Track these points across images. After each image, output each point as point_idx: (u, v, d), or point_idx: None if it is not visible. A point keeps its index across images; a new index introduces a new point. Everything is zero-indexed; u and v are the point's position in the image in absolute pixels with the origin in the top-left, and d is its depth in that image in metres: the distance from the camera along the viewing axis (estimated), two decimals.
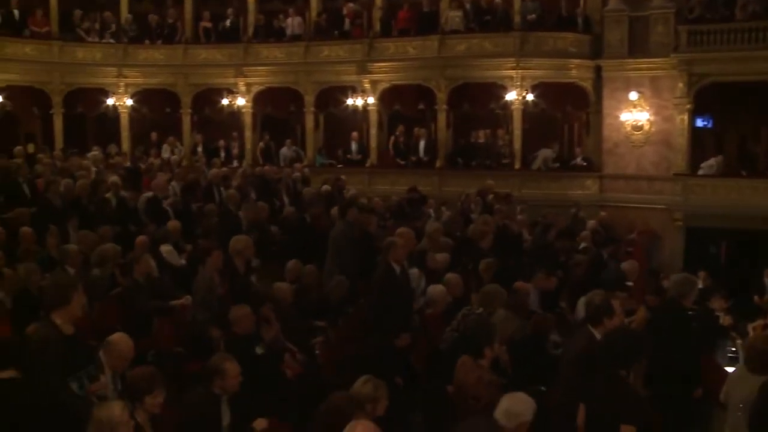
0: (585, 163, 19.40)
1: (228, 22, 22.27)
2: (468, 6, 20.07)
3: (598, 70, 19.16)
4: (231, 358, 5.39)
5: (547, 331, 7.43)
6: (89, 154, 17.19)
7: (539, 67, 19.24)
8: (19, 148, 17.46)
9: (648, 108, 18.56)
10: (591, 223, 14.82)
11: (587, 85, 19.28)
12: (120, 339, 5.53)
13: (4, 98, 21.10)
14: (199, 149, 21.45)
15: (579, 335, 5.83)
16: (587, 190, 19.15)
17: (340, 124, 22.41)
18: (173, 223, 10.91)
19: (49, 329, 4.84)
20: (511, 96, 19.33)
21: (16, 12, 21.23)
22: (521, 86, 19.18)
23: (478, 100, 20.50)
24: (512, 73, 19.22)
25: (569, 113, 20.44)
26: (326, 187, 14.77)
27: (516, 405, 4.68)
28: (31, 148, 21.13)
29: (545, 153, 19.48)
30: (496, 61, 19.40)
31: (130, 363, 5.40)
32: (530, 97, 19.23)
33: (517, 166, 19.63)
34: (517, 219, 13.40)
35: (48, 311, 4.96)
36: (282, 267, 9.40)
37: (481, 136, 20.11)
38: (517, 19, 19.44)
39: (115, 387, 5.31)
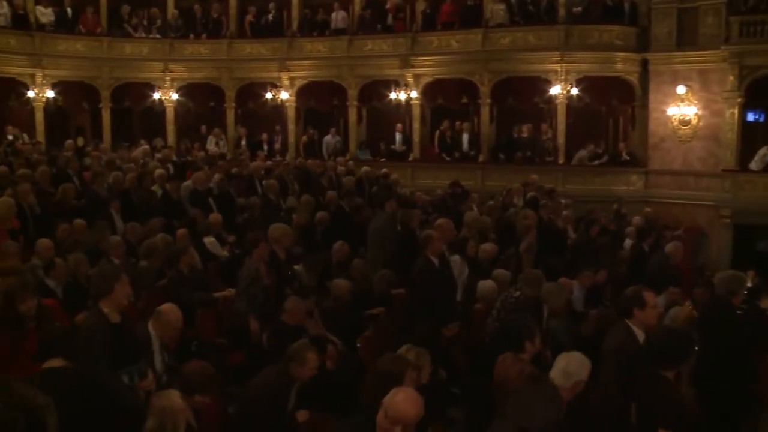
0: (629, 158, 19.09)
1: (271, 17, 22.40)
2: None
3: (644, 63, 18.80)
4: (313, 348, 5.44)
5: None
6: (140, 148, 17.47)
7: (584, 61, 18.96)
8: (69, 141, 17.89)
9: (696, 102, 18.16)
10: (636, 219, 14.57)
11: (633, 78, 18.94)
12: (170, 309, 5.63)
13: (56, 93, 21.62)
14: (243, 142, 21.64)
15: (616, 329, 5.72)
16: (632, 186, 18.84)
17: (382, 118, 22.40)
18: (215, 216, 11.01)
19: (96, 317, 5.00)
20: (555, 90, 19.10)
21: (69, 10, 21.78)
22: (565, 80, 18.94)
23: (521, 94, 20.32)
24: (556, 66, 18.99)
25: (614, 107, 20.11)
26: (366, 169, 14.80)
27: (572, 364, 4.73)
28: (80, 141, 21.61)
29: (580, 154, 19.25)
30: (540, 54, 19.19)
31: (180, 352, 5.48)
32: (574, 91, 18.98)
33: (560, 160, 19.40)
34: (563, 215, 13.20)
35: (96, 300, 5.12)
36: (323, 255, 9.46)
37: (524, 130, 19.91)
38: (561, 11, 19.18)
39: (162, 358, 5.41)
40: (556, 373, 4.73)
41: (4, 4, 20.71)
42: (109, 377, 4.70)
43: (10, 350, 5.27)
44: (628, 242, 13.00)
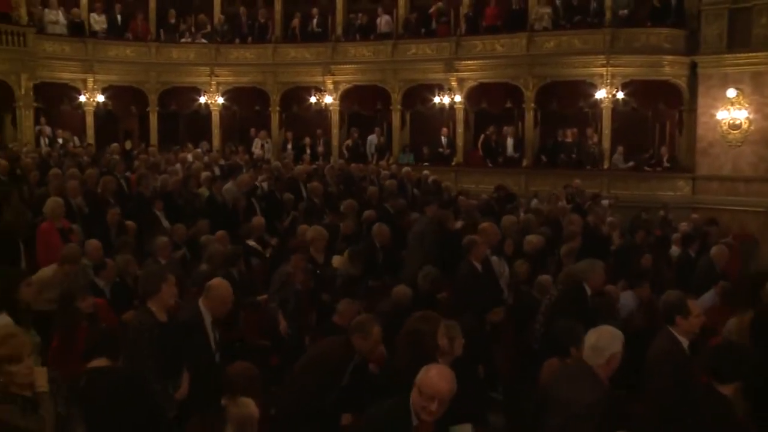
0: (668, 165, 18.72)
1: (316, 21, 22.56)
2: (558, 2, 19.69)
3: (693, 66, 18.42)
4: (378, 322, 5.41)
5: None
6: (192, 151, 17.73)
7: (630, 64, 18.67)
8: (115, 144, 18.29)
9: (747, 105, 17.69)
10: (683, 225, 14.30)
11: (681, 82, 18.58)
12: (219, 283, 5.67)
13: (106, 98, 22.13)
14: (289, 146, 21.82)
15: (660, 337, 5.60)
16: (678, 192, 18.46)
17: (426, 123, 22.38)
18: (258, 219, 11.08)
19: (144, 316, 5.13)
20: (600, 94, 18.85)
21: (119, 17, 22.31)
22: (611, 84, 18.69)
23: (566, 99, 20.08)
24: (602, 70, 18.73)
25: (661, 112, 19.73)
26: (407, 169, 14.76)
27: (602, 338, 4.56)
28: (128, 144, 22.08)
29: (615, 159, 18.95)
30: (585, 58, 18.96)
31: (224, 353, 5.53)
32: (620, 95, 18.71)
33: (605, 165, 19.13)
34: (608, 221, 13.00)
35: (143, 300, 5.27)
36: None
37: (568, 135, 19.68)
38: (608, 14, 18.90)
39: (213, 337, 5.44)
40: (587, 352, 4.55)
41: (61, 13, 21.35)
42: (151, 381, 4.76)
43: (65, 346, 5.37)
44: (674, 249, 12.75)
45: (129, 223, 9.94)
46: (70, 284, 5.88)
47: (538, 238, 9.91)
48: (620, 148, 19.04)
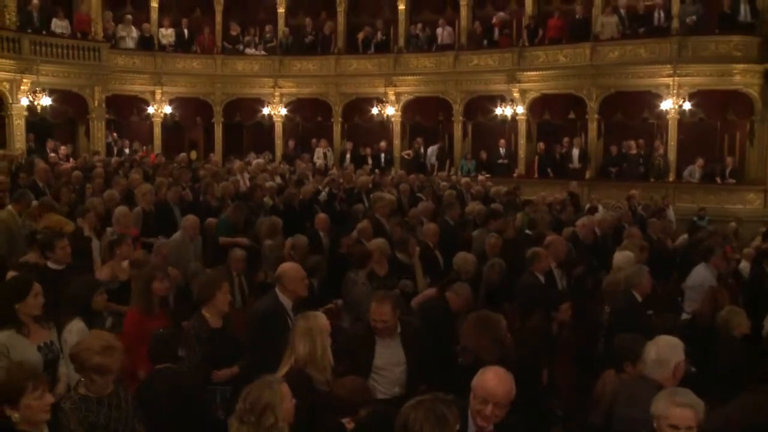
0: (733, 180, 18.21)
1: (379, 33, 22.75)
2: (622, 11, 19.41)
3: (766, 74, 17.87)
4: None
5: None
6: (255, 161, 18.03)
7: (698, 74, 18.27)
8: (183, 155, 18.72)
9: None
10: (756, 240, 13.79)
11: (753, 91, 18.04)
12: (289, 266, 5.84)
13: (172, 109, 22.75)
14: (348, 156, 22.01)
15: (722, 347, 5.45)
16: (749, 205, 17.93)
17: (488, 133, 22.31)
18: (322, 216, 10.99)
19: (199, 323, 5.29)
20: (666, 105, 18.50)
21: (186, 31, 22.98)
22: (678, 94, 18.32)
23: (630, 109, 19.79)
24: (668, 80, 18.39)
25: (730, 122, 19.25)
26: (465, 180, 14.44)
27: (662, 351, 4.45)
28: (194, 154, 22.61)
29: (689, 171, 18.49)
30: (651, 68, 18.67)
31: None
32: (687, 105, 18.31)
33: (671, 178, 18.74)
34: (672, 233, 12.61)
35: (199, 306, 5.42)
36: None
37: (633, 146, 19.34)
38: (675, 23, 18.54)
39: (291, 317, 5.40)
40: (650, 368, 4.43)
41: (133, 28, 22.21)
42: (202, 388, 4.87)
43: (140, 327, 5.56)
44: (744, 264, 12.34)
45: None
46: (150, 268, 6.21)
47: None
48: (700, 161, 18.61)
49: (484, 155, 21.37)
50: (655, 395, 4.00)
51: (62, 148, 18.50)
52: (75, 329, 5.10)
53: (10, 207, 9.12)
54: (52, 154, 17.05)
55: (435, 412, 3.23)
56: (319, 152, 22.02)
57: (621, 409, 4.53)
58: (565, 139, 20.36)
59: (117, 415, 3.97)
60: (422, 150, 21.93)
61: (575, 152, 20.05)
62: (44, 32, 19.90)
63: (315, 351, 4.36)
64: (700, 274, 8.77)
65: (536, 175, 20.31)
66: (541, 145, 20.78)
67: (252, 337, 5.48)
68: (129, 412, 4.05)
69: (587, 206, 14.94)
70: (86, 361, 3.92)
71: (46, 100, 19.35)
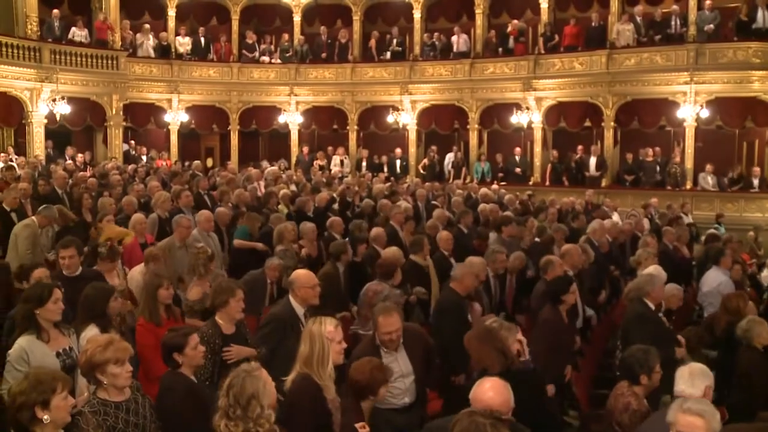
0: (756, 189, 18.02)
1: (395, 41, 22.82)
2: (639, 19, 19.36)
3: None
4: None
5: None
6: (269, 168, 18.11)
7: (716, 81, 18.20)
8: (197, 162, 18.87)
9: None
10: None
11: None
12: (298, 274, 5.91)
13: (189, 117, 22.92)
14: (363, 164, 22.05)
15: (742, 357, 5.41)
16: (767, 213, 17.80)
17: (503, 141, 22.31)
18: (336, 220, 11.02)
19: (212, 328, 5.32)
20: (683, 112, 18.41)
21: (203, 40, 23.17)
22: (695, 102, 18.23)
23: (647, 117, 19.72)
24: (685, 87, 18.34)
25: (749, 130, 19.12)
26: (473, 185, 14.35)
27: (695, 374, 4.48)
28: (210, 162, 22.72)
29: (702, 177, 18.36)
30: (667, 75, 18.63)
31: None
32: (704, 113, 18.21)
33: (688, 186, 18.63)
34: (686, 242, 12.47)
35: (213, 312, 5.47)
36: None
37: (650, 154, 19.25)
38: (692, 30, 18.49)
39: (304, 324, 5.39)
40: (681, 389, 4.45)
41: (151, 37, 22.47)
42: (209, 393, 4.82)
43: (153, 336, 5.57)
44: (766, 273, 12.26)
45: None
46: (155, 273, 6.23)
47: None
48: (709, 167, 18.48)
49: (499, 158, 21.37)
50: None
51: (79, 155, 18.67)
52: (90, 336, 5.07)
53: (33, 218, 9.20)
54: (70, 162, 17.20)
55: (479, 427, 3.24)
56: (336, 160, 22.09)
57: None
58: (579, 147, 20.26)
59: (135, 420, 4.02)
60: (436, 158, 21.91)
61: (592, 160, 19.95)
62: (64, 41, 20.19)
63: (312, 353, 4.36)
64: (711, 277, 8.78)
65: (548, 183, 20.25)
66: (555, 152, 20.74)
67: (263, 340, 5.54)
68: (147, 417, 4.09)
69: (592, 206, 14.79)
70: (96, 359, 3.94)
71: (65, 108, 19.60)
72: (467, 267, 7.14)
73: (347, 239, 9.32)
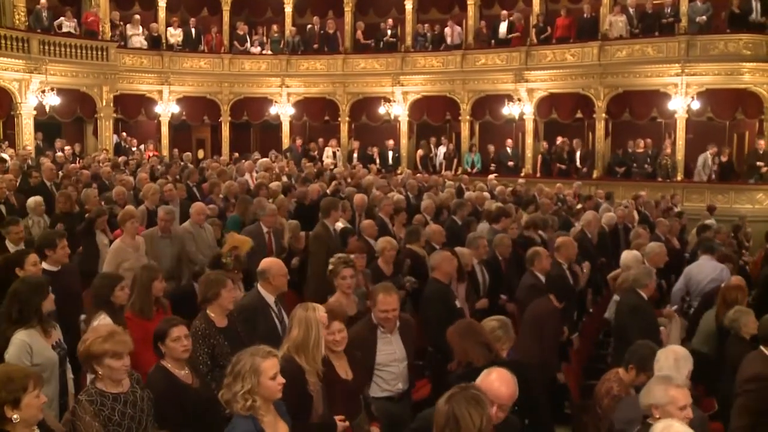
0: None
1: (387, 32, 22.71)
2: (631, 10, 19.32)
3: None
4: None
5: None
6: (260, 160, 17.99)
7: (707, 73, 18.17)
8: (187, 153, 18.76)
9: None
10: None
11: (763, 90, 17.90)
12: (269, 262, 5.92)
13: (180, 108, 22.78)
14: (355, 155, 22.00)
15: (751, 358, 5.43)
16: (758, 204, 17.79)
17: (495, 133, 22.27)
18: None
19: (205, 323, 5.20)
20: (674, 104, 18.41)
21: (193, 31, 23.06)
22: (686, 93, 18.22)
23: (638, 109, 19.73)
24: (677, 79, 18.31)
25: (739, 122, 19.15)
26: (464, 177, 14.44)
27: (669, 361, 4.54)
28: (200, 153, 22.62)
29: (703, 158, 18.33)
30: (659, 67, 18.61)
31: None
32: (695, 104, 18.21)
33: (679, 177, 18.64)
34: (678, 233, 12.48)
35: (204, 305, 5.35)
36: None
37: (640, 145, 19.26)
38: (683, 21, 18.44)
39: (278, 314, 5.66)
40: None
41: (141, 28, 22.35)
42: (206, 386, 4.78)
43: (142, 331, 5.41)
44: None
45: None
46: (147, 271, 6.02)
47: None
48: (712, 149, 18.32)
49: (491, 148, 21.36)
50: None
51: (67, 148, 18.49)
52: (103, 323, 5.01)
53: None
54: (59, 154, 17.06)
55: (474, 397, 3.29)
56: (328, 152, 22.01)
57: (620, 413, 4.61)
58: (559, 139, 20.25)
59: (132, 413, 3.97)
60: (433, 149, 21.89)
61: (578, 153, 20.01)
62: (53, 32, 20.00)
63: (308, 339, 4.33)
64: (708, 267, 8.68)
65: (538, 174, 20.25)
66: (545, 144, 20.74)
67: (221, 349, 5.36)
68: (144, 411, 4.04)
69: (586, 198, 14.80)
70: (96, 350, 3.90)
71: (54, 100, 19.45)
72: (441, 253, 7.16)
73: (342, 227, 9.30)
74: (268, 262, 5.93)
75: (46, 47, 19.46)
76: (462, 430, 3.22)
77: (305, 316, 4.38)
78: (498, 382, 3.76)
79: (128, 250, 7.82)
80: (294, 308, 4.60)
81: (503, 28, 21.18)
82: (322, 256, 7.89)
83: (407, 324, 5.39)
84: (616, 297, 7.80)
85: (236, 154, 20.81)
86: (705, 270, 8.71)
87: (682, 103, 18.31)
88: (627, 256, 8.43)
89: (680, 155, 18.76)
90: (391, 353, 5.15)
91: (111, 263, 7.60)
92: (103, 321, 5.12)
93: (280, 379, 3.66)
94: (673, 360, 4.57)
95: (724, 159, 18.53)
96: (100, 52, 20.63)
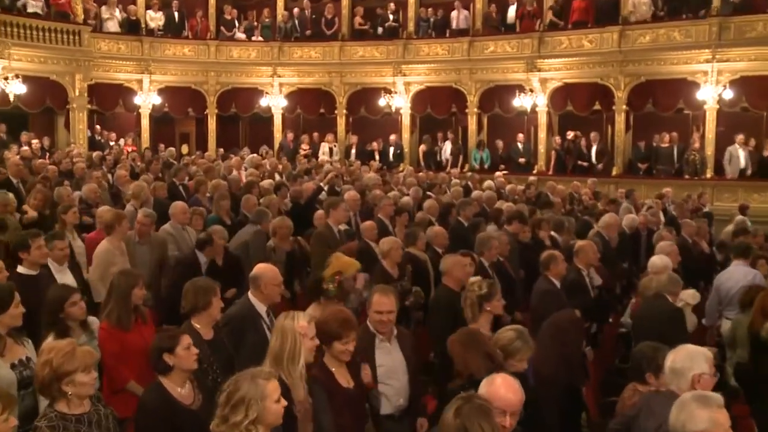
0: None
1: (388, 17, 22.38)
2: None
3: None
4: None
5: None
6: (249, 156, 17.72)
7: (741, 58, 17.71)
8: (171, 149, 18.44)
9: None
10: None
11: None
12: (263, 269, 5.73)
13: (162, 99, 22.42)
14: (353, 151, 21.71)
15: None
16: None
17: (505, 127, 21.94)
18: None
19: (191, 335, 4.92)
20: (704, 94, 18.03)
21: (176, 14, 22.70)
22: (717, 82, 17.84)
23: (663, 99, 19.37)
24: (707, 66, 17.92)
25: None
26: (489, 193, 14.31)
27: (678, 360, 4.39)
28: (185, 149, 22.29)
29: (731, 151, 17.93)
30: (686, 53, 18.23)
31: None
32: (728, 94, 17.83)
33: (708, 174, 18.27)
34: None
35: (189, 316, 5.21)
36: None
37: (665, 140, 18.90)
38: (715, 2, 17.95)
39: (269, 324, 5.43)
40: (669, 376, 4.43)
41: (117, 10, 21.77)
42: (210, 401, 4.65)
43: (119, 343, 5.41)
44: None
45: None
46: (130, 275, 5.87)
47: None
48: (740, 137, 17.89)
49: (500, 144, 21.04)
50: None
51: (35, 141, 18.08)
52: (47, 344, 4.75)
53: None
54: (25, 148, 16.68)
55: (479, 407, 3.32)
56: (324, 147, 21.72)
57: (640, 422, 4.48)
58: (569, 133, 20.00)
59: None
60: (437, 145, 21.57)
61: (594, 148, 19.72)
62: (15, 12, 19.30)
63: (282, 349, 4.24)
64: (739, 273, 8.40)
65: (551, 172, 19.95)
66: (557, 138, 20.43)
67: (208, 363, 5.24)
68: (110, 430, 4.00)
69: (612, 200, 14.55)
70: (65, 368, 3.81)
71: (19, 88, 18.89)
72: (453, 258, 7.04)
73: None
74: (261, 269, 5.77)
75: (9, 29, 18.77)
76: None
77: (282, 326, 4.32)
78: (504, 389, 3.75)
79: (116, 253, 7.73)
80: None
81: (514, 12, 20.86)
82: (323, 258, 7.73)
83: (405, 334, 5.37)
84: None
85: (221, 150, 20.43)
86: (735, 276, 8.42)
87: (712, 93, 17.88)
88: (655, 261, 8.15)
89: (710, 150, 18.35)
90: (391, 364, 5.12)
91: (100, 267, 7.49)
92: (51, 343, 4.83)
93: (284, 402, 3.61)
94: (672, 360, 4.45)
95: (766, 154, 18.07)
96: (71, 36, 20.03)
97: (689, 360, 4.37)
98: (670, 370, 4.41)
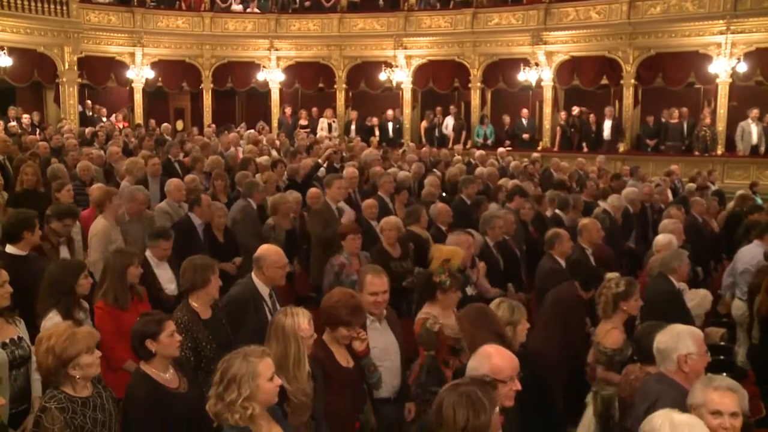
0: None
1: None
2: None
3: None
4: None
5: None
6: (246, 132, 17.69)
7: (758, 29, 17.49)
8: (165, 125, 18.36)
9: None
10: None
11: None
12: (267, 250, 5.71)
13: (155, 73, 22.30)
14: (353, 127, 21.66)
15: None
16: None
17: (509, 102, 21.89)
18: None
19: (188, 314, 5.10)
20: (716, 67, 17.88)
21: None
22: (731, 54, 17.68)
23: (673, 73, 19.25)
24: (720, 38, 17.75)
25: None
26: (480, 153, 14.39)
27: (662, 341, 4.41)
28: (179, 124, 22.21)
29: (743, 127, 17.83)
30: (699, 25, 18.07)
31: None
32: (742, 67, 17.68)
33: (719, 151, 18.19)
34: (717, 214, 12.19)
35: (187, 294, 5.24)
36: None
37: (675, 115, 18.83)
38: None
39: (271, 307, 5.52)
40: (657, 359, 4.47)
41: None
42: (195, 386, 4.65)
43: (116, 322, 5.42)
44: None
45: None
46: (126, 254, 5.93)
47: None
48: (754, 112, 17.76)
49: (505, 120, 20.96)
50: (663, 389, 4.24)
51: (25, 116, 18.00)
52: (49, 326, 4.82)
53: None
54: (13, 123, 16.62)
55: (469, 395, 3.26)
56: (322, 123, 21.68)
57: (636, 405, 4.54)
58: (575, 109, 19.86)
59: (102, 417, 3.96)
60: (439, 120, 21.50)
61: (607, 124, 19.59)
62: None
63: (287, 355, 4.21)
64: (751, 253, 8.39)
65: (556, 148, 19.88)
66: (563, 114, 20.35)
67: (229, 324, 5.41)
68: (111, 413, 4.03)
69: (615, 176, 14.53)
70: (69, 353, 3.84)
71: (5, 61, 18.76)
72: (457, 236, 7.13)
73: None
74: (264, 250, 5.75)
75: None
76: (444, 425, 3.23)
77: (283, 327, 4.27)
78: (499, 357, 3.77)
79: (113, 230, 7.72)
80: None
81: None
82: (319, 235, 8.29)
83: (393, 314, 5.39)
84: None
85: (213, 125, 20.38)
86: (745, 256, 8.46)
87: (725, 66, 17.70)
88: (660, 239, 8.16)
89: (721, 125, 18.25)
90: (384, 343, 5.12)
91: (100, 245, 7.44)
92: (51, 323, 4.91)
93: (278, 381, 3.63)
94: (657, 341, 4.49)
95: None
96: (59, 7, 19.85)
97: (674, 340, 4.38)
98: (656, 351, 4.45)
